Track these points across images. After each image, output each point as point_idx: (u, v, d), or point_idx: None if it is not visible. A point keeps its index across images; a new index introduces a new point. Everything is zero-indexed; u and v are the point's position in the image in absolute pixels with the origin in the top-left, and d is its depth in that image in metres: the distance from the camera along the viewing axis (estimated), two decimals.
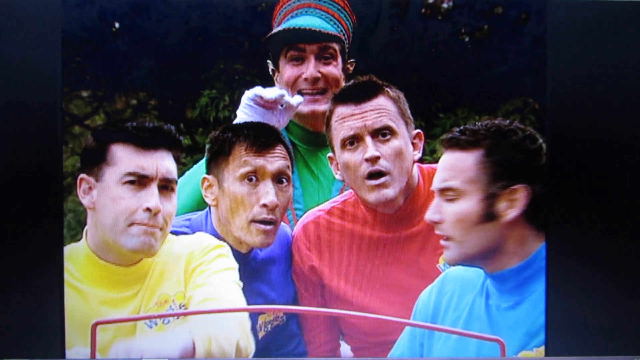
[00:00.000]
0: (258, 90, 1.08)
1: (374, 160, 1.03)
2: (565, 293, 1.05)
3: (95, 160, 0.98)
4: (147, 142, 0.98)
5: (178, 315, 0.97)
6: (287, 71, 1.12)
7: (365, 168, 1.04)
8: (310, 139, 1.15)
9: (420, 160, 1.08)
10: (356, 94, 1.05)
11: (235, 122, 1.08)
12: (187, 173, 1.10)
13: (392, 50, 1.09)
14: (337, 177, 1.09)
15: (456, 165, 0.95)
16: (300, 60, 1.12)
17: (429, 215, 0.97)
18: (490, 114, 1.08)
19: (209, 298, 0.96)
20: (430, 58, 1.09)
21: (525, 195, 0.94)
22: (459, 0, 1.08)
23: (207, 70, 1.10)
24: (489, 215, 0.94)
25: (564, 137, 1.06)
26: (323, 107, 1.10)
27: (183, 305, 0.99)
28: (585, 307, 1.07)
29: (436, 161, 1.00)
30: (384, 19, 1.09)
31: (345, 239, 1.09)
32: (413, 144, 1.07)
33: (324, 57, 1.12)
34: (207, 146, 1.07)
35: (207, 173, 1.06)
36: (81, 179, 0.99)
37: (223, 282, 0.99)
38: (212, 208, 1.07)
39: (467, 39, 1.09)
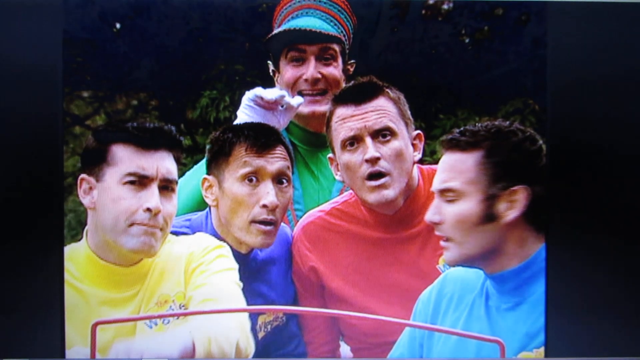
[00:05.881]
0: (258, 91, 1.08)
1: (374, 161, 1.03)
2: (565, 294, 1.05)
3: (95, 161, 0.98)
4: (147, 142, 0.98)
5: (178, 315, 0.97)
6: (288, 72, 1.12)
7: (366, 169, 1.04)
8: (310, 139, 1.15)
9: (420, 161, 1.08)
10: (356, 95, 1.05)
11: (235, 122, 1.08)
12: (187, 173, 1.10)
13: (393, 51, 1.09)
14: (337, 177, 1.09)
15: (456, 166, 0.95)
16: (300, 61, 1.12)
17: (429, 216, 0.97)
18: (490, 115, 1.08)
19: (209, 298, 0.97)
20: (430, 59, 1.09)
21: (525, 196, 0.94)
22: (459, 1, 1.08)
23: (207, 70, 1.10)
24: (488, 216, 0.94)
25: (563, 138, 1.06)
26: (323, 108, 1.10)
27: (183, 306, 0.99)
28: (585, 308, 1.07)
29: (436, 162, 1.00)
30: (384, 20, 1.09)
31: (345, 240, 1.09)
32: (413, 145, 1.07)
33: (324, 58, 1.12)
34: (208, 147, 1.07)
35: (208, 173, 1.06)
36: (82, 179, 0.99)
37: (223, 283, 0.99)
38: (212, 208, 1.07)
39: (467, 40, 1.09)
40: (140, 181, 0.97)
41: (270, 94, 1.08)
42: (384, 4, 1.09)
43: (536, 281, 0.97)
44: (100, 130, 1.02)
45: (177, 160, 1.01)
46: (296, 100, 1.11)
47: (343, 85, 1.12)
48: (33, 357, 1.06)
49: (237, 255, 1.04)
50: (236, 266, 1.02)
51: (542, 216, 0.97)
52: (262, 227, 1.03)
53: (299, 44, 1.11)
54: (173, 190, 1.00)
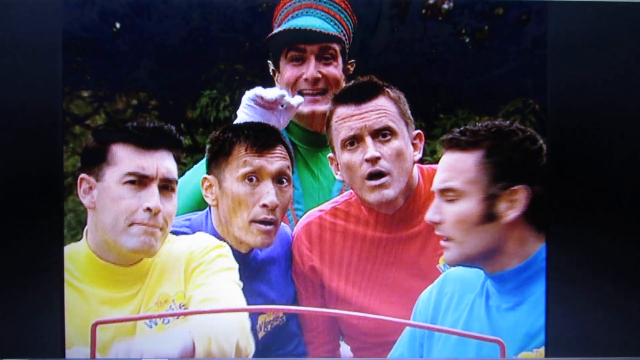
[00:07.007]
0: (258, 90, 1.08)
1: (374, 160, 1.03)
2: (565, 294, 1.05)
3: (95, 160, 0.98)
4: (147, 142, 0.98)
5: (178, 315, 0.97)
6: (288, 71, 1.12)
7: (366, 168, 1.04)
8: (310, 139, 1.15)
9: (421, 161, 1.08)
10: (357, 95, 1.05)
11: (235, 122, 1.08)
12: (187, 173, 1.10)
13: (393, 51, 1.09)
14: (338, 177, 1.09)
15: (456, 166, 0.95)
16: (300, 60, 1.12)
17: (429, 215, 0.97)
18: (491, 115, 1.08)
19: (209, 298, 0.96)
20: (430, 59, 1.09)
21: (525, 196, 0.94)
22: (459, 1, 1.08)
23: (207, 70, 1.10)
24: (489, 216, 0.94)
25: (564, 137, 1.06)
26: (323, 107, 1.10)
27: (183, 305, 0.99)
28: (585, 308, 1.07)
29: (436, 162, 1.00)
30: (384, 20, 1.09)
31: (345, 240, 1.09)
32: (413, 144, 1.07)
33: (324, 57, 1.12)
34: (208, 146, 1.07)
35: (208, 173, 1.06)
36: (81, 179, 0.99)
37: (223, 282, 0.99)
38: (212, 208, 1.07)
39: (467, 40, 1.09)
40: (140, 181, 0.97)
41: (270, 93, 1.08)
42: (384, 4, 1.09)
43: (536, 281, 0.97)
44: (100, 129, 1.02)
45: (177, 160, 1.01)
46: (296, 100, 1.11)
47: (343, 84, 1.11)
48: (33, 357, 1.06)
49: (237, 254, 1.04)
50: (236, 266, 1.02)
51: (542, 216, 0.97)
52: (262, 226, 1.03)
53: (299, 43, 1.11)
54: (173, 189, 1.00)
